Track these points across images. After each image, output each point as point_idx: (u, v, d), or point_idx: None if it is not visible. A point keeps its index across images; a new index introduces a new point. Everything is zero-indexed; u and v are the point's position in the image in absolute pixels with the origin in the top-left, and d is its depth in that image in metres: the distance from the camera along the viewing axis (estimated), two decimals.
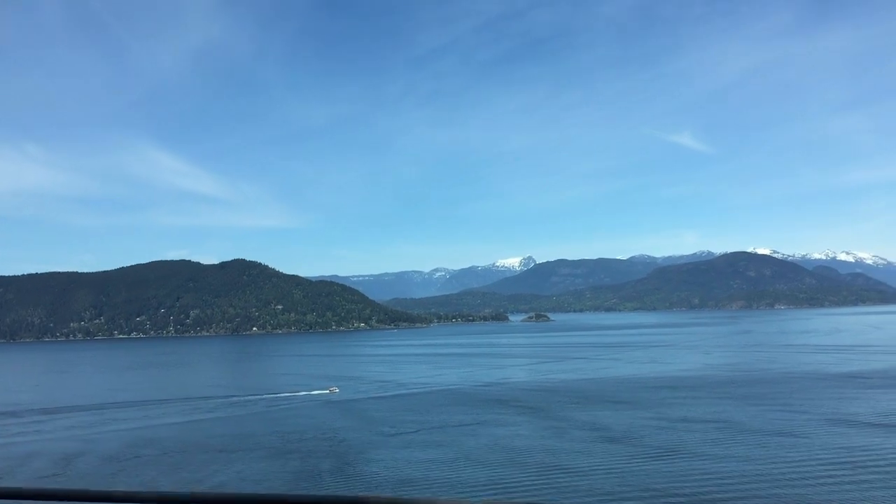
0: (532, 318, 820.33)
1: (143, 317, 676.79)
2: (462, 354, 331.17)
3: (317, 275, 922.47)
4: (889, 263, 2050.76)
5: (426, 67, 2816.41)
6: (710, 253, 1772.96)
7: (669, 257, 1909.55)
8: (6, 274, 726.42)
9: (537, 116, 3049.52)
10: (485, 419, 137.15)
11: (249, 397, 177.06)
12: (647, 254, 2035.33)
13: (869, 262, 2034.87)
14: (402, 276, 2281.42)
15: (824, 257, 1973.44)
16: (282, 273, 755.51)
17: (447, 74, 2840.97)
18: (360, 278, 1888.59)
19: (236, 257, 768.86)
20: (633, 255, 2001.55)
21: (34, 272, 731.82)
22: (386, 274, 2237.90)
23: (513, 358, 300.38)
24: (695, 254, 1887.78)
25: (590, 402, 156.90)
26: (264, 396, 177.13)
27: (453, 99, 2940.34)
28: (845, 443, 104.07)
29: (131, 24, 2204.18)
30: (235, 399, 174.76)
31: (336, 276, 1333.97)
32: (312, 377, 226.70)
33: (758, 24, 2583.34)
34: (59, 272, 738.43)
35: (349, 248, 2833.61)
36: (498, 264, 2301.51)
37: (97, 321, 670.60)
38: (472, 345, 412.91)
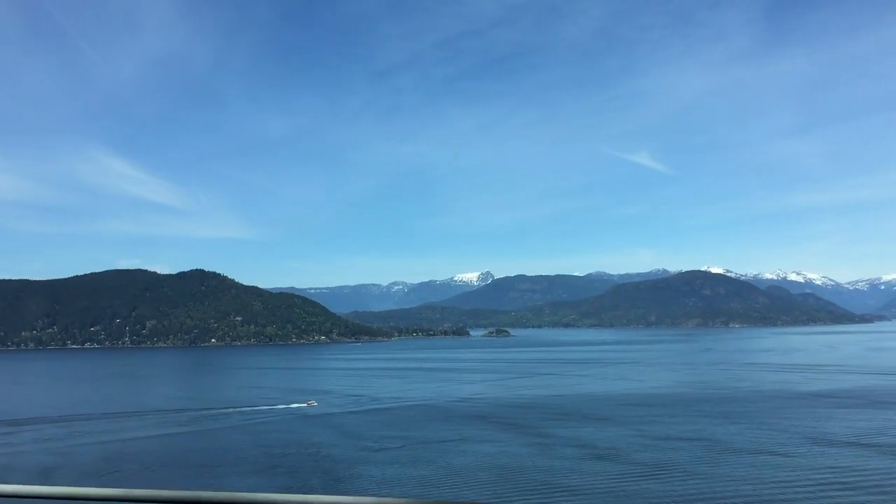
0: (493, 333, 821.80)
1: (98, 327, 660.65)
2: (429, 369, 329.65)
3: (274, 286, 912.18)
4: (837, 284, 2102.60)
5: (386, 82, 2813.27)
6: (665, 271, 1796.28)
7: (626, 275, 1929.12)
8: None
9: (496, 134, 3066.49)
10: (468, 435, 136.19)
11: (225, 410, 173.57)
12: (605, 271, 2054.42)
13: (818, 282, 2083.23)
14: (359, 290, 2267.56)
15: (775, 277, 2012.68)
16: (241, 284, 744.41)
17: (406, 90, 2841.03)
18: (318, 291, 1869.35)
19: (193, 267, 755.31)
20: (590, 271, 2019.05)
21: None
22: (344, 287, 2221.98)
23: (481, 373, 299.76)
24: (651, 272, 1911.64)
25: (569, 418, 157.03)
26: (241, 409, 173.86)
27: (412, 114, 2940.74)
28: (831, 463, 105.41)
29: (88, 31, 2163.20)
30: (211, 412, 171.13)
31: (293, 289, 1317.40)
32: (286, 391, 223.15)
33: (715, 48, 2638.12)
34: (9, 280, 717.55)
35: (306, 261, 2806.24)
36: (456, 279, 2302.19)
37: (50, 330, 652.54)
38: (438, 359, 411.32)
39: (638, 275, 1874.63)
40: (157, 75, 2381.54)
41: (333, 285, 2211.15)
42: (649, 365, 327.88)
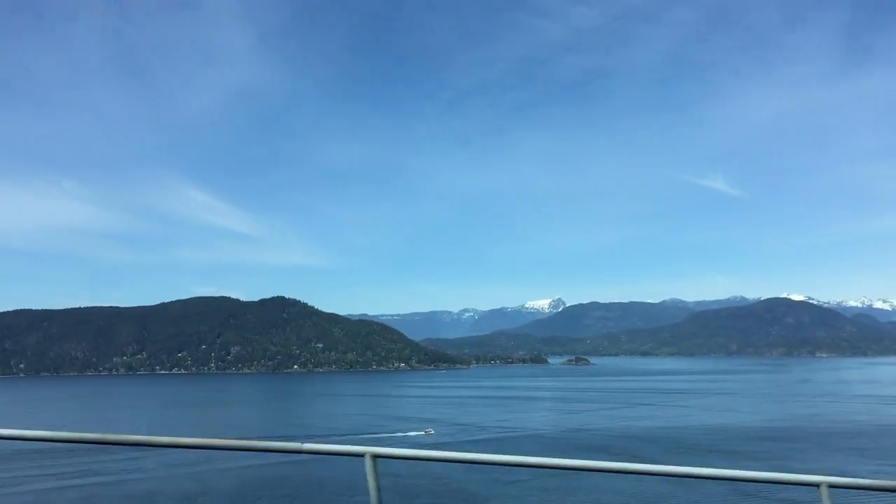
0: (572, 361, 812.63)
1: (185, 353, 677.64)
2: (523, 398, 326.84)
3: (347, 313, 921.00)
4: None
5: (456, 110, 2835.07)
6: (743, 298, 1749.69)
7: (702, 302, 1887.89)
8: (51, 308, 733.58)
9: (566, 160, 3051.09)
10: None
11: (350, 436, 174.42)
12: (680, 297, 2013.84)
13: None
14: (431, 316, 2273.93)
15: (860, 305, 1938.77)
16: (321, 311, 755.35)
17: (476, 117, 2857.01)
18: (390, 317, 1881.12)
19: (267, 295, 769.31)
20: (664, 298, 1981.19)
21: (77, 306, 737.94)
22: (415, 313, 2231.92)
23: (578, 402, 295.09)
24: (728, 298, 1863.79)
25: (693, 452, 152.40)
26: (364, 436, 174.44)
27: (482, 141, 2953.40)
28: None
29: (169, 65, 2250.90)
30: (336, 438, 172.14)
31: (366, 315, 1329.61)
32: (395, 418, 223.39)
33: (792, 70, 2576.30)
34: (101, 307, 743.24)
35: (378, 288, 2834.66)
36: (527, 306, 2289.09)
37: (139, 356, 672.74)
38: (526, 388, 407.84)
39: (715, 302, 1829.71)
40: (233, 107, 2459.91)
41: (405, 312, 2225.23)
42: (750, 396, 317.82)
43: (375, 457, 7.90)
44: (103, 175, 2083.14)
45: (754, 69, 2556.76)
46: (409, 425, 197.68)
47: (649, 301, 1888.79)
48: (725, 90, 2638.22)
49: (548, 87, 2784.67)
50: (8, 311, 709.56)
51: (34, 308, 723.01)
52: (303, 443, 7.78)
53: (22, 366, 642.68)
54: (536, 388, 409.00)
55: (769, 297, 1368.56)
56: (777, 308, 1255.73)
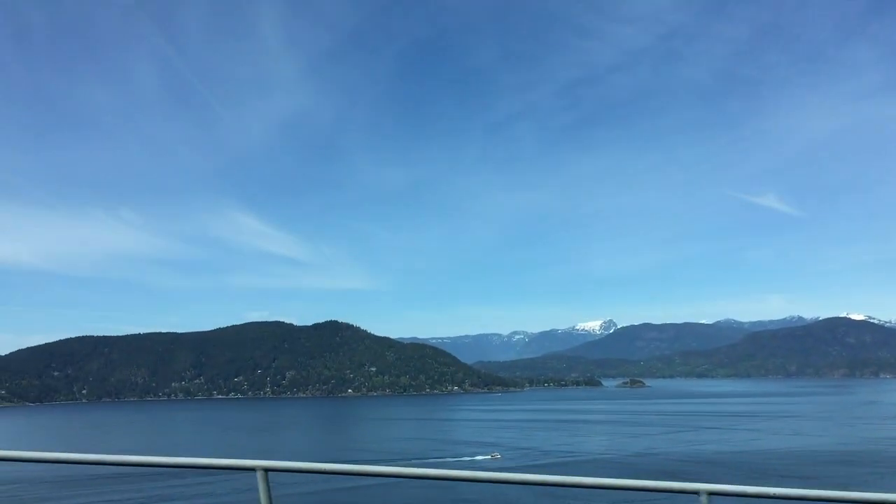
0: (627, 383, 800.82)
1: (241, 377, 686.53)
2: (581, 421, 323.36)
3: (397, 336, 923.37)
4: None
5: (503, 132, 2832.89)
6: (800, 318, 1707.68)
7: (758, 322, 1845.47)
8: (110, 334, 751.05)
9: (614, 180, 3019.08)
10: (677, 497, 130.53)
11: (418, 461, 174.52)
12: (734, 318, 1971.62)
13: None
14: (480, 339, 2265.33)
15: None
16: (373, 335, 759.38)
17: (524, 139, 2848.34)
18: (440, 340, 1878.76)
19: (319, 319, 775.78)
20: (718, 319, 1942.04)
21: (136, 332, 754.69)
22: (465, 336, 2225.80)
23: (640, 426, 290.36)
24: (785, 318, 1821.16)
25: (769, 477, 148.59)
26: (432, 461, 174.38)
27: (530, 163, 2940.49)
28: None
29: (221, 93, 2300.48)
30: (405, 463, 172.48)
31: (416, 339, 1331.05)
32: (459, 443, 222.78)
33: (845, 85, 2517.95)
34: (159, 332, 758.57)
35: (426, 310, 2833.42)
36: (578, 328, 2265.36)
37: (197, 381, 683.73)
38: (584, 410, 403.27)
39: (771, 322, 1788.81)
40: (282, 133, 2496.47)
41: (455, 335, 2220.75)
42: (817, 419, 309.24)
43: (267, 471, 7.96)
44: (158, 203, 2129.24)
45: (808, 84, 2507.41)
46: (474, 450, 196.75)
47: (703, 322, 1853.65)
48: (778, 106, 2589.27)
49: (595, 107, 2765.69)
50: (70, 338, 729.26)
51: (95, 334, 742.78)
52: (194, 458, 7.82)
53: (84, 391, 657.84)
54: (594, 410, 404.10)
55: (828, 316, 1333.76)
56: (837, 328, 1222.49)
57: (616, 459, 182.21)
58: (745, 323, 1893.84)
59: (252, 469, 7.88)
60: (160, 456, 7.92)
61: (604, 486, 8.26)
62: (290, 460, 8.06)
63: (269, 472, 7.96)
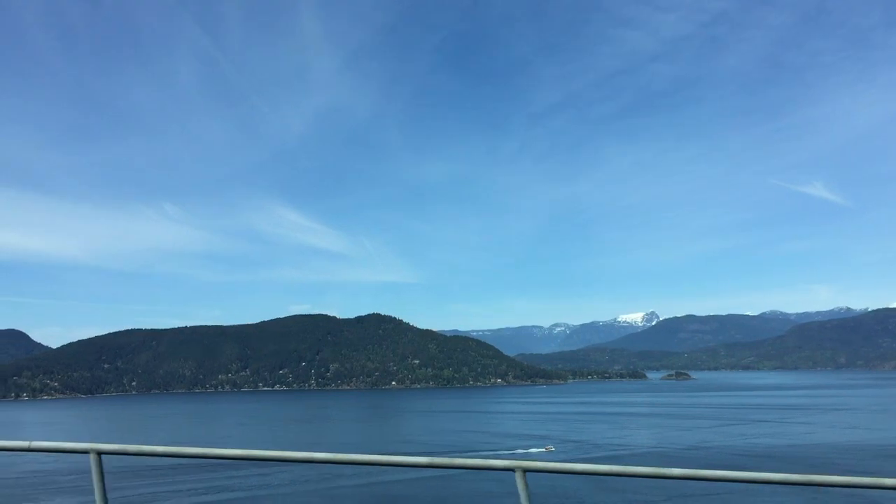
0: (672, 375, 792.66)
1: (286, 370, 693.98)
2: (630, 414, 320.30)
3: (438, 329, 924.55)
4: None
5: (542, 124, 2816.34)
6: (849, 309, 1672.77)
7: (804, 314, 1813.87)
8: (158, 327, 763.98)
9: (656, 170, 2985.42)
10: (731, 488, 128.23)
11: (474, 454, 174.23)
12: (780, 309, 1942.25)
13: None
14: (521, 331, 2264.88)
15: None
16: (416, 328, 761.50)
17: (563, 131, 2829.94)
18: (481, 333, 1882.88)
19: (360, 311, 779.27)
20: (764, 310, 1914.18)
21: (183, 326, 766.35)
22: (506, 329, 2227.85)
23: (689, 419, 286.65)
24: (833, 310, 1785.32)
25: (830, 471, 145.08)
26: (487, 453, 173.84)
27: (570, 155, 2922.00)
28: None
29: (261, 89, 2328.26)
30: (461, 455, 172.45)
31: (457, 331, 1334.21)
32: (510, 436, 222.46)
33: (894, 71, 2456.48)
34: (205, 326, 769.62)
35: (467, 303, 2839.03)
36: (620, 320, 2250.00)
37: (243, 374, 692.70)
38: (630, 403, 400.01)
39: (818, 313, 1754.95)
40: (322, 128, 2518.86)
41: (495, 327, 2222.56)
42: (873, 412, 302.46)
43: (526, 471, 7.99)
44: (200, 198, 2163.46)
45: (855, 70, 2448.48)
46: (528, 442, 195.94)
47: (748, 313, 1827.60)
48: (823, 94, 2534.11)
49: (635, 97, 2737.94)
50: (119, 332, 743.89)
51: (143, 328, 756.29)
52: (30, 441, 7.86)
53: (134, 383, 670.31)
54: (641, 403, 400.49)
55: (877, 307, 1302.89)
56: (888, 319, 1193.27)
57: (669, 453, 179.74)
58: (791, 314, 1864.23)
59: (511, 469, 7.98)
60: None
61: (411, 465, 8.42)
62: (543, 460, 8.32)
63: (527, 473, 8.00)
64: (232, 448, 8.03)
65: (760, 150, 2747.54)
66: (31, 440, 7.82)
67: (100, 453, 7.81)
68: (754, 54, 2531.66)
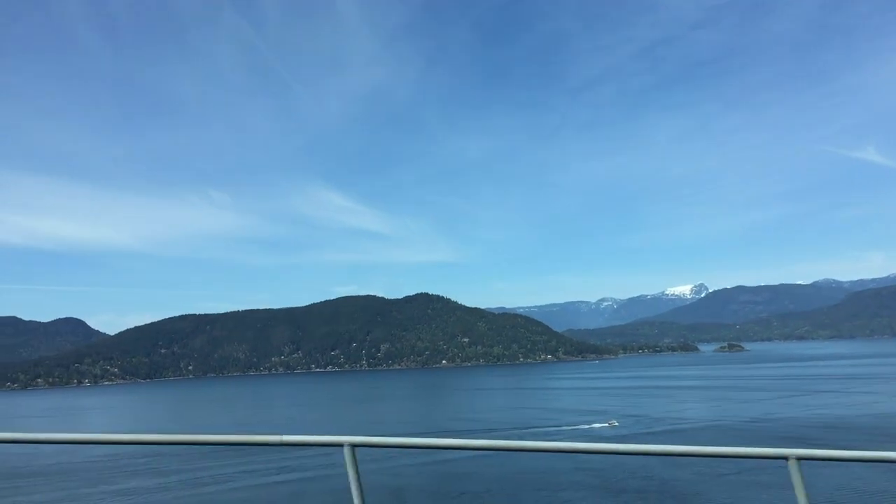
0: (725, 347, 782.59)
1: (337, 351, 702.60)
2: (687, 387, 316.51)
3: (485, 307, 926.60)
4: None
5: (583, 98, 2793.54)
6: None
7: (859, 281, 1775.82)
8: (212, 312, 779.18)
9: (700, 141, 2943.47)
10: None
11: (540, 429, 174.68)
12: (833, 278, 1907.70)
13: None
14: (568, 307, 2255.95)
15: None
16: (464, 306, 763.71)
17: (604, 104, 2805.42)
18: (527, 309, 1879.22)
19: (407, 292, 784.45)
20: (816, 279, 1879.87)
21: (235, 310, 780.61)
22: (552, 305, 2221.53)
23: (748, 391, 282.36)
24: (888, 276, 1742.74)
25: None
26: (552, 429, 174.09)
27: (611, 128, 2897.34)
28: None
29: (300, 73, 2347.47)
30: (528, 431, 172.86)
31: (504, 308, 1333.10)
32: (569, 411, 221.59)
33: None
34: (256, 309, 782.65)
35: (512, 281, 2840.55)
36: (668, 293, 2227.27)
37: (295, 355, 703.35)
38: (686, 376, 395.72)
39: (873, 280, 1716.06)
40: (363, 109, 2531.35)
41: (542, 304, 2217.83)
42: None
43: (354, 446, 7.99)
44: (245, 183, 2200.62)
45: None
46: (589, 418, 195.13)
47: (800, 283, 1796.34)
48: (872, 56, 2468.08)
49: (678, 67, 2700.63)
50: (174, 317, 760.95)
51: (197, 313, 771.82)
52: (282, 435, 7.90)
53: (190, 367, 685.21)
54: (696, 376, 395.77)
55: None
56: None
57: (733, 426, 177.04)
58: (845, 282, 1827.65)
59: (339, 445, 7.99)
60: (246, 434, 7.96)
61: (694, 455, 7.91)
62: (377, 435, 8.15)
63: (357, 448, 8.04)
64: (471, 439, 8.06)
65: (809, 116, 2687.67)
66: (281, 434, 7.91)
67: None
68: (801, 18, 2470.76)
